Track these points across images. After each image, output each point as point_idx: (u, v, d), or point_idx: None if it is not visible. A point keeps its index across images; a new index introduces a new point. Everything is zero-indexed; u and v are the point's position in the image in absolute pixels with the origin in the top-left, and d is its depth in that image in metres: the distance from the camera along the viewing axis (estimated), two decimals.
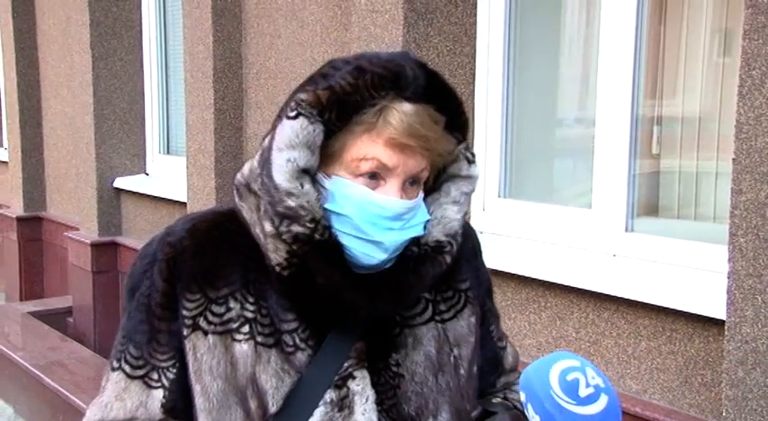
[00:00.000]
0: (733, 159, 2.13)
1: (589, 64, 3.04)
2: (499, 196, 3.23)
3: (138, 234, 5.43)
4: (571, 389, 1.04)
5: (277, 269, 1.24)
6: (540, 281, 2.83)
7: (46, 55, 6.45)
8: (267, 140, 1.24)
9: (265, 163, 1.22)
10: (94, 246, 5.49)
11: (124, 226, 5.58)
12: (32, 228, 6.63)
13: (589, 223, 2.87)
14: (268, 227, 1.23)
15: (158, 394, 1.28)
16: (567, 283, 2.74)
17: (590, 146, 2.89)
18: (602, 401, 1.04)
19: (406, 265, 1.27)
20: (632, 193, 2.79)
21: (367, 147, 1.20)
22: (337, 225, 1.22)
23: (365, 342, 1.29)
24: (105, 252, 5.52)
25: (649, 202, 2.85)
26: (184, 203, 4.60)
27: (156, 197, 5.18)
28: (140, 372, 1.28)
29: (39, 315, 5.72)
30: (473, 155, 1.34)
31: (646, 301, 2.52)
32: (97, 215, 5.51)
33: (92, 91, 5.40)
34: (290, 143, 1.19)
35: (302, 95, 1.21)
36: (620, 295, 2.59)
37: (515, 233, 3.10)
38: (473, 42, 3.21)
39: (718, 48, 2.72)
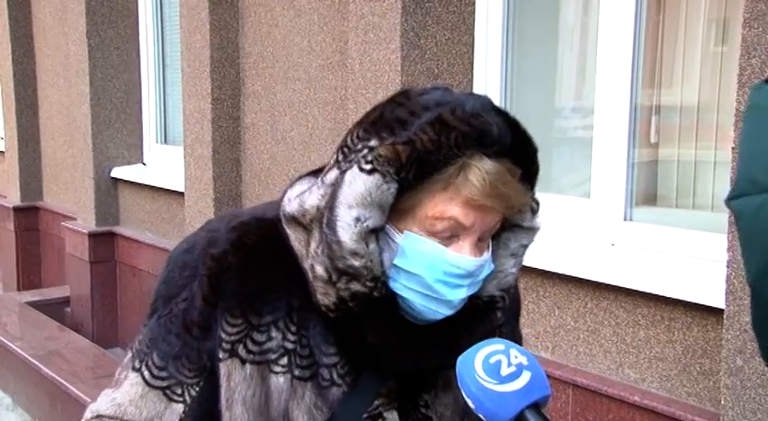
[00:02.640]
0: (733, 148, 2.13)
1: (588, 53, 3.04)
2: None
3: (136, 224, 5.42)
4: (493, 370, 1.08)
5: (323, 309, 1.18)
6: (538, 270, 2.83)
7: (42, 44, 6.42)
8: (330, 187, 1.16)
9: (328, 213, 1.14)
10: (92, 236, 5.49)
11: (121, 216, 5.57)
12: (29, 218, 6.63)
13: (588, 212, 2.87)
14: (320, 271, 1.16)
15: (179, 408, 1.23)
16: (565, 273, 2.74)
17: (589, 135, 2.88)
18: (525, 377, 1.08)
19: (458, 321, 1.21)
20: (631, 183, 2.79)
21: (444, 206, 1.13)
22: (405, 281, 1.16)
23: (396, 381, 1.25)
24: (103, 242, 5.51)
25: (648, 192, 2.85)
26: (182, 193, 4.59)
27: (153, 187, 5.17)
28: (162, 383, 1.23)
29: (36, 305, 5.71)
30: (538, 204, 1.25)
31: (644, 290, 2.53)
32: (94, 205, 5.50)
33: (88, 80, 5.38)
34: (362, 201, 1.12)
35: (381, 150, 1.11)
36: (618, 284, 2.59)
37: None
38: (471, 31, 3.19)
39: (715, 37, 2.71)
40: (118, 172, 5.46)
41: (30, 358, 4.65)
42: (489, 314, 1.25)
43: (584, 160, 2.93)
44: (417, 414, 1.26)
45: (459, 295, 1.17)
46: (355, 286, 1.15)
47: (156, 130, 5.58)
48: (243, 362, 1.20)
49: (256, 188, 4.25)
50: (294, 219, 1.20)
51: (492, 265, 1.22)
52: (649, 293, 2.52)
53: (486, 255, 1.20)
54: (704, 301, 2.37)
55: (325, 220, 1.14)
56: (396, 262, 1.16)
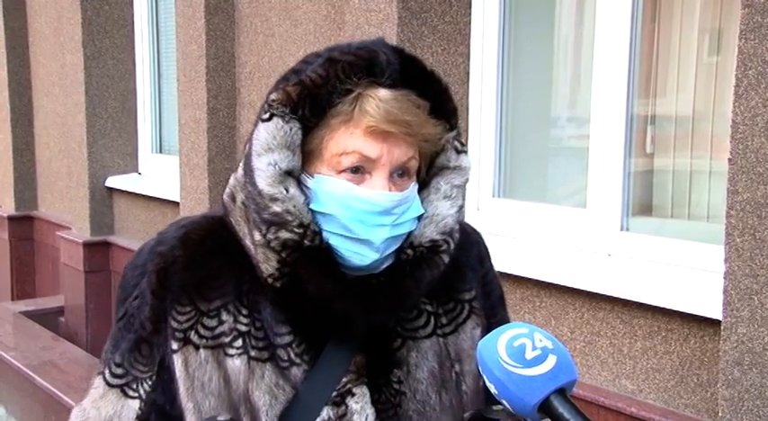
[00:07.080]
0: (729, 160, 2.12)
1: (584, 63, 3.04)
2: (493, 196, 3.23)
3: (131, 233, 5.41)
4: (517, 353, 1.05)
5: (269, 280, 1.19)
6: (534, 280, 2.82)
7: (37, 54, 6.41)
8: (246, 148, 1.20)
9: (247, 170, 1.18)
10: (86, 245, 5.47)
11: (116, 225, 5.56)
12: (24, 228, 6.60)
13: (584, 222, 2.87)
14: (257, 236, 1.18)
15: (135, 404, 1.24)
16: (561, 283, 2.74)
17: (584, 145, 2.88)
18: (550, 361, 1.04)
19: (401, 269, 1.21)
20: (627, 193, 2.79)
21: (346, 140, 1.15)
22: (325, 225, 1.17)
23: (365, 356, 1.23)
24: (97, 251, 5.50)
25: (644, 202, 2.85)
26: (177, 203, 4.58)
27: (148, 196, 5.16)
28: (120, 381, 1.25)
29: (30, 315, 5.69)
30: (462, 143, 1.27)
31: (641, 301, 2.52)
32: (89, 214, 5.49)
33: (84, 90, 5.37)
34: (268, 146, 1.15)
35: (273, 95, 1.17)
36: (615, 295, 2.59)
37: (510, 233, 3.09)
38: (467, 41, 3.20)
39: (709, 46, 2.71)
40: (113, 181, 5.45)
41: (24, 368, 4.63)
42: (433, 259, 1.23)
43: (580, 170, 2.93)
44: (390, 389, 1.24)
45: (380, 235, 1.16)
46: (284, 234, 1.16)
47: (151, 140, 5.57)
48: (196, 347, 1.21)
49: None
50: (232, 199, 1.25)
51: (421, 207, 1.22)
52: (646, 304, 2.51)
53: (407, 192, 1.19)
54: (701, 312, 2.36)
55: (247, 178, 1.18)
56: (312, 206, 1.17)
